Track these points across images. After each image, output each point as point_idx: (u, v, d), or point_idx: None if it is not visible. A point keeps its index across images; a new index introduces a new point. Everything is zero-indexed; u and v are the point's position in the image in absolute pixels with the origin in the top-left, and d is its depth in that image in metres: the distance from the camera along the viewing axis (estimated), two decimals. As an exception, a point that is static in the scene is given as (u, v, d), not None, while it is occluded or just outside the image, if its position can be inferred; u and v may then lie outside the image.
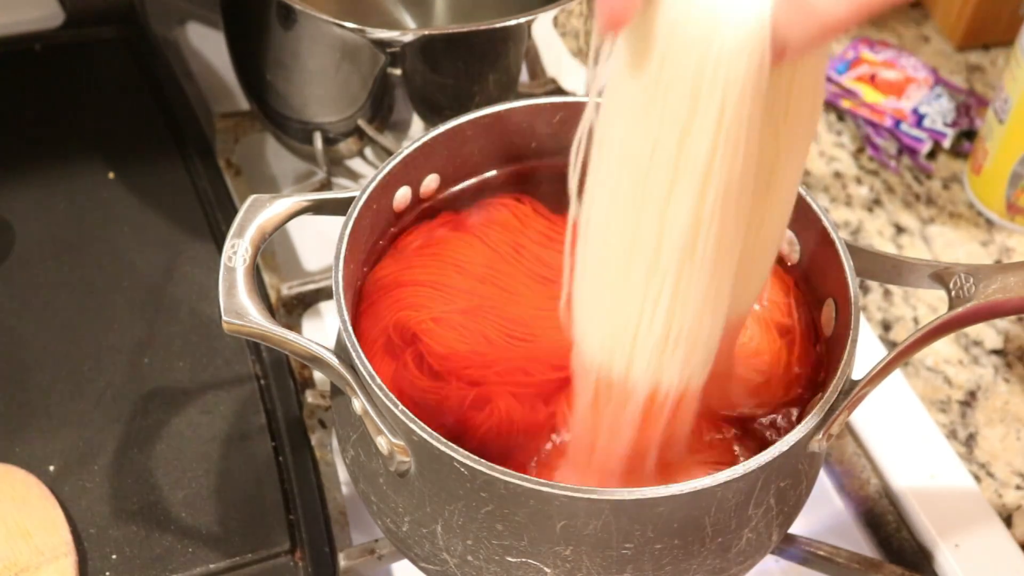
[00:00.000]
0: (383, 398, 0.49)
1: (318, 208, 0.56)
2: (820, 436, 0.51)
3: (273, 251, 0.79)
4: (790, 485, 0.53)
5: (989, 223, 0.84)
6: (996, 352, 0.77)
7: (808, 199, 0.57)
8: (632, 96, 0.42)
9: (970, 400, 0.74)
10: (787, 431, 0.50)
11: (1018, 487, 0.70)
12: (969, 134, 0.89)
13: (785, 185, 0.47)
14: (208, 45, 0.92)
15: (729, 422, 0.56)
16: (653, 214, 0.43)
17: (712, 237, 0.43)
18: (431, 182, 0.60)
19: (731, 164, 0.41)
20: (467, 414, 0.55)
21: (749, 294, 0.52)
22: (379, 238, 0.60)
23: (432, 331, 0.57)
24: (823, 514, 0.69)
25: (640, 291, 0.45)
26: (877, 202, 0.85)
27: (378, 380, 0.49)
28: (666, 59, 0.40)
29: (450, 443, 0.48)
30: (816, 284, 0.58)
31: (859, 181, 0.86)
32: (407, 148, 0.58)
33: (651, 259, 0.44)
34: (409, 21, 0.86)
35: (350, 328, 0.51)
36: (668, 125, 0.41)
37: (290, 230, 0.81)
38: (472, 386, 0.55)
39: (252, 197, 0.55)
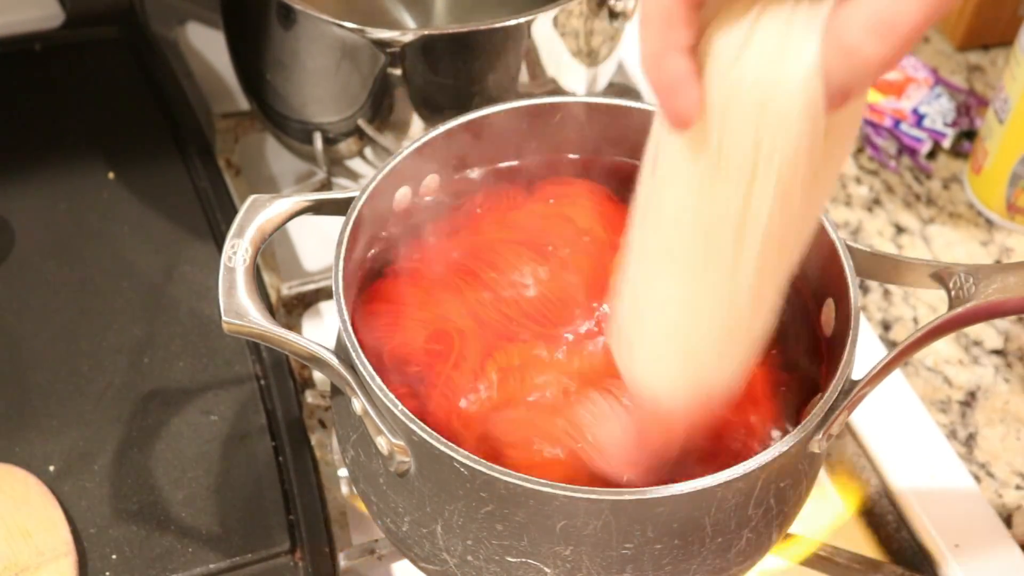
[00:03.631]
0: (383, 398, 0.49)
1: (318, 208, 0.56)
2: (820, 436, 0.51)
3: (273, 251, 0.79)
4: (790, 485, 0.53)
5: (989, 223, 0.84)
6: (996, 352, 0.77)
7: (808, 199, 0.57)
8: (691, 170, 0.42)
9: (970, 400, 0.74)
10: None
11: (1018, 487, 0.70)
12: (969, 134, 0.89)
13: (815, 213, 0.46)
14: (208, 45, 0.92)
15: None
16: (722, 275, 0.44)
17: (774, 287, 0.45)
18: (431, 182, 0.60)
19: (786, 213, 0.42)
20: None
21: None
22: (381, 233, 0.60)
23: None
24: (823, 514, 0.69)
25: (716, 347, 0.47)
26: (877, 202, 0.85)
27: (378, 380, 0.49)
28: (724, 132, 0.41)
29: (450, 443, 0.48)
30: (816, 284, 0.58)
31: (859, 181, 0.86)
32: (407, 148, 0.58)
33: (728, 318, 0.45)
34: (409, 21, 0.86)
35: (350, 328, 0.51)
36: (731, 194, 0.42)
37: (290, 230, 0.81)
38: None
39: (252, 197, 0.55)
